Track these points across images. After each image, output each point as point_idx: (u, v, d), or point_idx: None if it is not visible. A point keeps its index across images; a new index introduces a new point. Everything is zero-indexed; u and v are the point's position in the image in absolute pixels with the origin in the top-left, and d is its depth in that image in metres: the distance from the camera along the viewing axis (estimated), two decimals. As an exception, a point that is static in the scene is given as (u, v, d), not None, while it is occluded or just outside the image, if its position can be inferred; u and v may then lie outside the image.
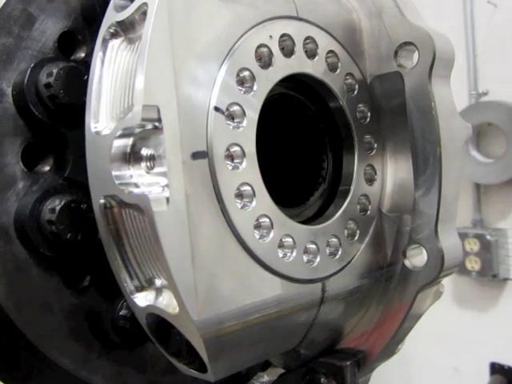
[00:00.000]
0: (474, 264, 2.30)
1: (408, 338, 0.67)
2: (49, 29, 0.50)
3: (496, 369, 2.22)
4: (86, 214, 0.47)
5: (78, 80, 0.47)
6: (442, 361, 2.40)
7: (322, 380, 0.58)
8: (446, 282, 0.62)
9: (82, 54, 0.52)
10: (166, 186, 0.40)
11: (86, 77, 0.47)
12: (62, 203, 0.46)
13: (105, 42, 0.45)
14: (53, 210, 0.45)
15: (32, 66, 0.47)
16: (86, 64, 0.49)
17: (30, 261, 0.47)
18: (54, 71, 0.46)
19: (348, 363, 0.57)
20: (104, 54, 0.45)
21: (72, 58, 0.52)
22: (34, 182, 0.49)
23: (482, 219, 2.31)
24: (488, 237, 2.26)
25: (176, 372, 0.53)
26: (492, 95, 2.31)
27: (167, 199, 0.40)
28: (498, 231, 2.28)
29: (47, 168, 0.50)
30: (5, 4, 0.48)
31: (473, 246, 2.28)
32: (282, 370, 0.65)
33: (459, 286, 2.42)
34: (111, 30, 0.45)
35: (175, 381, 0.56)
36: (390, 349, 0.64)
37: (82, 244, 0.47)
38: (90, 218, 0.46)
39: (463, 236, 2.25)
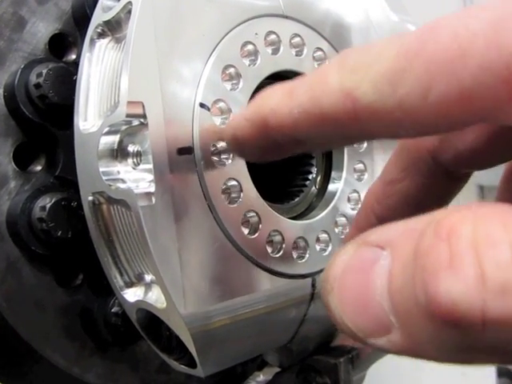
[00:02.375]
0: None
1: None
2: (40, 31, 0.51)
3: (503, 372, 2.19)
4: (76, 212, 0.48)
5: (67, 80, 0.48)
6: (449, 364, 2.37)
7: (316, 378, 0.58)
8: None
9: (73, 56, 0.53)
10: (152, 181, 0.41)
11: (75, 77, 0.48)
12: (53, 201, 0.47)
13: (92, 42, 0.46)
14: (43, 208, 0.46)
15: (22, 67, 0.48)
16: (77, 65, 0.50)
17: (23, 259, 0.48)
18: (44, 72, 0.47)
19: (341, 360, 0.57)
20: (92, 53, 0.46)
21: (63, 59, 0.53)
22: (25, 181, 0.49)
23: (487, 221, 2.29)
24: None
25: (170, 370, 0.53)
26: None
27: (153, 194, 0.40)
28: (503, 233, 2.26)
29: (39, 167, 0.51)
30: (-5, 7, 0.49)
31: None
32: (278, 370, 0.65)
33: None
34: (98, 30, 0.46)
35: (169, 379, 0.57)
36: (384, 346, 0.63)
37: (74, 242, 0.48)
38: (81, 215, 0.47)
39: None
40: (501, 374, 2.20)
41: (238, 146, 0.37)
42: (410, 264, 0.23)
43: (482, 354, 0.22)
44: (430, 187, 0.39)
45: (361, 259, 0.26)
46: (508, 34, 0.22)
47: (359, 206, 0.56)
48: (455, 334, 0.22)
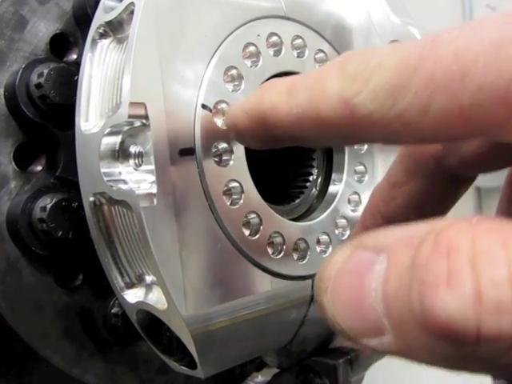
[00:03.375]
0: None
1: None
2: (41, 31, 0.51)
3: None
4: (77, 212, 0.47)
5: (68, 80, 0.48)
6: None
7: (316, 379, 0.59)
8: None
9: (74, 56, 0.53)
10: (154, 182, 0.41)
11: (76, 77, 0.48)
12: (53, 201, 0.46)
13: (94, 43, 0.46)
14: (44, 209, 0.46)
15: (23, 67, 0.48)
16: (78, 65, 0.50)
17: (22, 259, 0.48)
18: (45, 71, 0.47)
19: (340, 362, 0.57)
20: (93, 54, 0.46)
21: (64, 59, 0.53)
22: (26, 181, 0.49)
23: (484, 223, 2.30)
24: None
25: (169, 371, 0.53)
26: (492, 99, 2.31)
27: (155, 195, 0.40)
28: (500, 235, 2.27)
29: (39, 168, 0.51)
30: (-3, 7, 0.49)
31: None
32: (277, 371, 0.65)
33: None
34: (100, 31, 0.46)
35: (168, 380, 0.57)
36: (383, 347, 0.63)
37: (74, 242, 0.48)
38: (82, 216, 0.47)
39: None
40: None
41: (238, 135, 0.38)
42: (407, 272, 0.23)
43: (474, 365, 0.23)
44: (434, 190, 0.39)
45: (356, 261, 0.26)
46: (508, 58, 0.23)
47: (360, 207, 0.56)
48: (449, 346, 0.22)
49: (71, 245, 0.48)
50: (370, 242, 0.26)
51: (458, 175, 0.39)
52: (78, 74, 0.48)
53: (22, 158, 0.49)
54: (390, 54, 0.27)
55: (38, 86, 0.46)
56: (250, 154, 0.46)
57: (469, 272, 0.21)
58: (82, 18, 0.52)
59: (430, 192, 0.39)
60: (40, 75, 0.47)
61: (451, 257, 0.22)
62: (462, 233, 0.22)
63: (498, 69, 0.23)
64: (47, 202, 0.46)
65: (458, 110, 0.25)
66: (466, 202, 2.43)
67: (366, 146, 0.57)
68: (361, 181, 0.57)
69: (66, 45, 0.53)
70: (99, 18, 0.46)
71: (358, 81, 0.28)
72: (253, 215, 0.47)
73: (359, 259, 0.26)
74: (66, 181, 0.49)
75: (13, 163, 0.48)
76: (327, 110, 0.29)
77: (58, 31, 0.52)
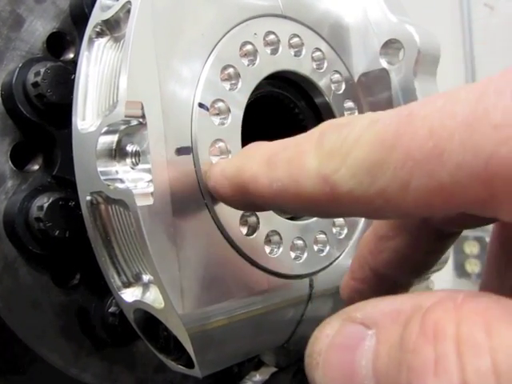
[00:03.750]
0: (473, 267, 2.29)
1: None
2: (37, 30, 0.51)
3: (461, 273, 2.21)
4: (74, 212, 0.47)
5: (65, 79, 0.48)
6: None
7: (313, 378, 0.58)
8: (446, 285, 0.62)
9: (71, 55, 0.53)
10: (151, 181, 0.41)
11: (73, 76, 0.48)
12: (50, 200, 0.46)
13: (91, 41, 0.46)
14: (41, 208, 0.46)
15: (20, 65, 0.48)
16: (75, 64, 0.49)
17: (20, 259, 0.48)
18: (42, 70, 0.47)
19: (338, 360, 0.57)
20: (90, 53, 0.46)
21: (61, 58, 0.53)
22: (23, 180, 0.49)
23: (482, 222, 2.30)
24: (488, 239, 2.25)
25: (167, 370, 0.53)
26: (490, 97, 2.31)
27: (151, 194, 0.40)
28: (498, 234, 2.27)
29: (36, 167, 0.50)
30: (-7, 5, 0.49)
31: (472, 248, 2.28)
32: (275, 369, 0.65)
33: (459, 289, 2.41)
34: (97, 29, 0.46)
35: (166, 378, 0.57)
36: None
37: (71, 241, 0.48)
38: (79, 215, 0.47)
39: (463, 239, 2.25)
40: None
41: (219, 198, 0.40)
42: (396, 352, 0.24)
43: None
44: (420, 245, 0.39)
45: (346, 335, 0.26)
46: (483, 135, 0.22)
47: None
48: None
49: (68, 244, 0.48)
50: (358, 315, 0.27)
51: (444, 230, 0.38)
52: (74, 72, 0.48)
53: (19, 157, 0.49)
54: (367, 129, 0.27)
55: (35, 84, 0.46)
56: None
57: (455, 361, 0.22)
58: (78, 17, 0.52)
59: (416, 247, 0.39)
60: (37, 74, 0.47)
61: (438, 343, 0.22)
62: (448, 316, 0.23)
63: (474, 148, 0.23)
64: (44, 201, 0.46)
65: (439, 187, 0.24)
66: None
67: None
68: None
69: (62, 44, 0.53)
70: (96, 17, 0.46)
71: (335, 158, 0.28)
72: (250, 214, 0.46)
73: (348, 333, 0.26)
74: (63, 180, 0.49)
75: (10, 162, 0.48)
76: (307, 186, 0.29)
77: (54, 30, 0.52)
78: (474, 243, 2.27)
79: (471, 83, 0.26)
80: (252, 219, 0.47)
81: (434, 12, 2.19)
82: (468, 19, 2.36)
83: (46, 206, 0.46)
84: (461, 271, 2.28)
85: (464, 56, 2.35)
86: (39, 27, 0.51)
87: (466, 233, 2.27)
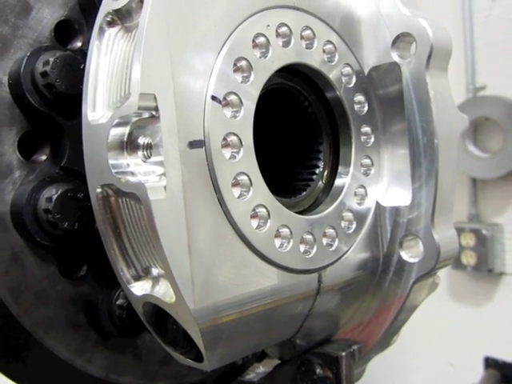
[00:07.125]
0: (469, 258, 2.30)
1: (402, 333, 0.68)
2: (45, 18, 0.50)
3: (490, 363, 2.23)
4: (82, 203, 0.47)
5: (74, 69, 0.47)
6: (437, 355, 2.41)
7: (318, 371, 0.59)
8: (441, 277, 0.63)
9: (79, 43, 0.52)
10: (163, 174, 0.40)
11: (82, 66, 0.47)
12: (59, 192, 0.46)
13: (101, 31, 0.45)
14: (49, 199, 0.45)
15: (28, 54, 0.47)
16: (83, 53, 0.49)
17: (27, 249, 0.47)
18: (51, 60, 0.46)
19: (343, 354, 0.57)
20: (101, 42, 0.45)
21: (69, 47, 0.52)
22: (30, 171, 0.48)
23: (478, 214, 2.31)
24: (484, 231, 2.26)
25: (172, 362, 0.53)
26: (490, 89, 2.31)
27: (164, 188, 0.40)
28: (493, 226, 2.29)
29: (44, 157, 0.50)
30: (1, -8, 0.48)
31: (469, 240, 2.29)
32: (278, 361, 0.65)
33: (454, 281, 2.43)
34: (108, 19, 0.45)
35: (171, 370, 0.57)
36: (385, 340, 0.64)
37: (79, 233, 0.47)
38: (87, 207, 0.46)
39: (459, 230, 2.26)
40: (488, 364, 2.23)
41: None
42: None
43: None
44: None
45: None
46: None
47: (365, 201, 0.56)
48: None
49: (76, 235, 0.47)
50: None
51: None
52: (83, 62, 0.47)
53: (26, 147, 0.49)
54: None
55: (44, 74, 0.46)
56: (258, 148, 0.46)
57: None
58: (86, 5, 0.51)
59: None
60: (46, 63, 0.46)
61: None
62: None
63: None
64: (53, 192, 0.46)
65: None
66: (461, 193, 2.45)
67: (372, 139, 0.57)
68: (367, 174, 0.57)
69: (70, 32, 0.52)
70: (107, 6, 0.45)
71: None
72: (261, 208, 0.46)
73: None
74: (72, 171, 0.49)
75: (17, 152, 0.48)
76: None
77: (62, 18, 0.51)
78: (470, 235, 2.28)
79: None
80: (263, 213, 0.46)
81: (434, 3, 2.17)
82: (469, 10, 2.35)
83: (54, 197, 0.45)
84: (456, 263, 2.30)
85: (464, 47, 2.34)
86: (47, 15, 0.50)
87: (462, 225, 2.28)
